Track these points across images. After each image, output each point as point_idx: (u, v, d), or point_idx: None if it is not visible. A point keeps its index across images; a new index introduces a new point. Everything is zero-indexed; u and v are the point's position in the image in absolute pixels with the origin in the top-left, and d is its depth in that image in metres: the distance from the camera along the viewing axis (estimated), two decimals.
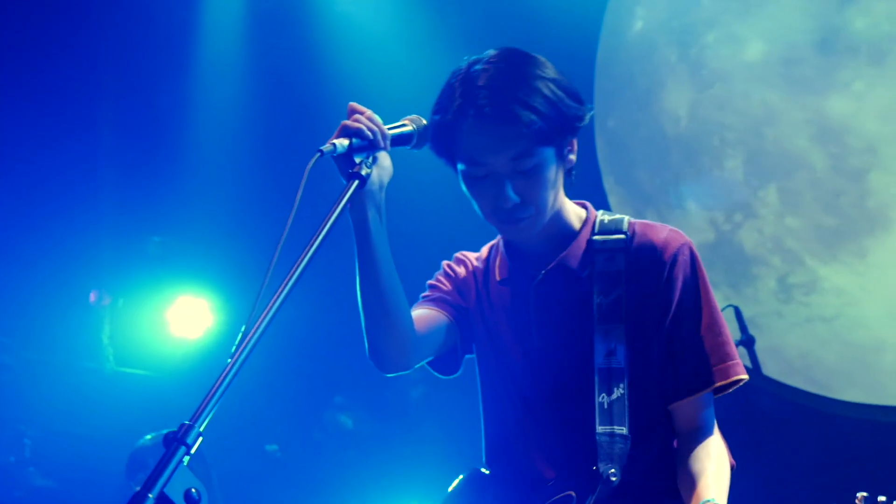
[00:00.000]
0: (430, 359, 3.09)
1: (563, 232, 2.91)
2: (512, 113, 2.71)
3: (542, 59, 2.87)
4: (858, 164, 6.56)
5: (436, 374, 3.17)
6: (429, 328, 3.00)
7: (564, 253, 2.89)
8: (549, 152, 2.76)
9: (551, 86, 2.78)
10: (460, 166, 2.85)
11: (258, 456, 8.16)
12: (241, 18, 8.02)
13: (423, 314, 3.01)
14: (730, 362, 2.79)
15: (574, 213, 2.95)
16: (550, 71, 2.83)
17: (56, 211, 7.46)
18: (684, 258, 2.80)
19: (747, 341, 5.39)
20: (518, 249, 2.99)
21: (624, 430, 2.73)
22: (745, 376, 2.80)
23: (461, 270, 3.13)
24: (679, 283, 2.78)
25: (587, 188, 7.39)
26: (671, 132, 7.22)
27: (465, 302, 3.08)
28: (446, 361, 3.13)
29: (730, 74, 6.98)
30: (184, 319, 7.95)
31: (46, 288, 7.39)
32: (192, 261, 7.98)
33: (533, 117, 2.70)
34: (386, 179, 2.76)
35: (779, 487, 6.17)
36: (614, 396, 2.76)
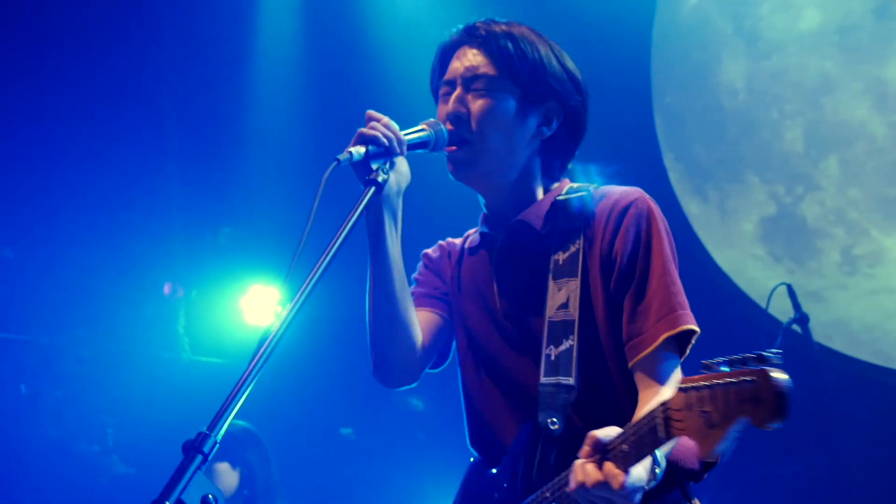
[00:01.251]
0: (434, 363, 3.16)
1: (530, 196, 2.96)
2: (493, 35, 2.92)
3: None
4: None
5: (429, 370, 3.19)
6: (428, 334, 3.07)
7: (526, 211, 2.93)
8: (512, 96, 2.89)
9: (548, 49, 2.94)
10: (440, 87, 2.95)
11: (335, 439, 8.31)
12: (297, 12, 8.12)
13: (420, 318, 3.05)
14: (679, 312, 2.69)
15: (546, 184, 3.01)
16: (557, 48, 2.97)
17: (128, 206, 7.64)
18: (637, 210, 2.78)
19: (801, 319, 5.31)
20: (489, 218, 3.03)
21: (570, 381, 2.70)
22: (696, 328, 2.69)
23: (436, 254, 3.23)
24: (630, 236, 2.75)
25: (647, 165, 7.43)
26: (728, 105, 7.17)
27: (444, 286, 3.15)
28: (442, 357, 3.19)
29: (786, 45, 6.90)
30: (256, 307, 8.10)
31: (122, 282, 7.60)
32: (263, 249, 8.12)
33: (509, 47, 2.89)
34: (403, 185, 2.86)
35: (845, 462, 6.13)
36: (562, 348, 2.74)
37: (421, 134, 2.84)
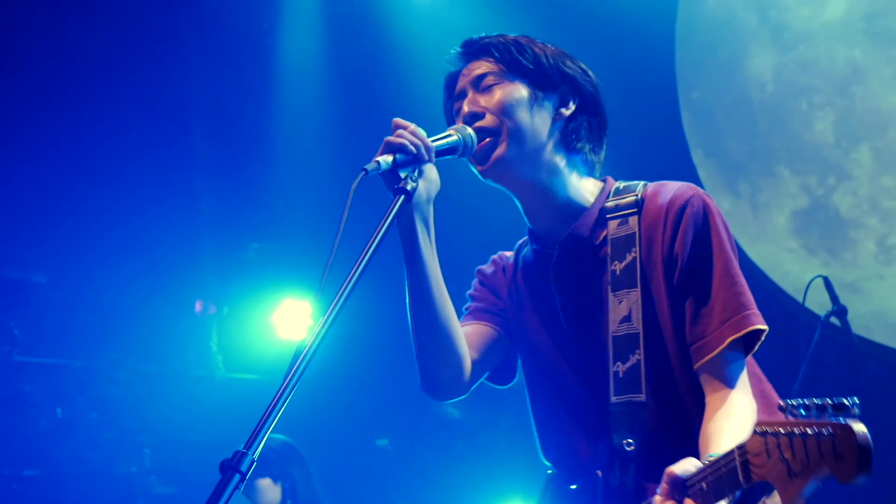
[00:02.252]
0: (485, 376, 3.11)
1: (575, 206, 2.92)
2: (490, 43, 2.97)
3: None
4: None
5: (494, 386, 3.17)
6: (480, 347, 3.03)
7: (576, 223, 2.88)
8: (522, 83, 2.91)
9: (549, 46, 2.99)
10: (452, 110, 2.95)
11: (370, 450, 8.28)
12: (321, 25, 8.12)
13: (470, 332, 3.02)
14: (744, 313, 2.62)
15: (587, 188, 2.96)
16: (558, 48, 3.02)
17: (157, 224, 7.65)
18: (693, 209, 2.72)
19: (839, 311, 5.21)
20: (537, 234, 2.99)
21: (641, 398, 2.65)
22: (763, 326, 2.63)
23: (491, 270, 3.18)
24: (689, 237, 2.69)
25: (675, 163, 7.36)
26: (757, 99, 7.08)
27: (502, 302, 3.10)
28: (502, 372, 3.16)
29: (812, 34, 6.81)
30: (289, 322, 8.09)
31: (153, 301, 7.61)
32: (293, 264, 8.11)
33: (510, 47, 2.94)
34: (433, 192, 2.83)
35: (889, 454, 6.02)
36: (629, 364, 2.69)
37: (449, 139, 2.82)
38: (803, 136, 6.87)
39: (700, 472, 2.25)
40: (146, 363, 7.60)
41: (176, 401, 7.47)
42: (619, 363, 2.71)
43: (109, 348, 7.50)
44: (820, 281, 5.29)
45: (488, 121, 2.87)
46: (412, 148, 2.68)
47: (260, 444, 2.10)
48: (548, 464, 3.00)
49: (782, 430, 1.95)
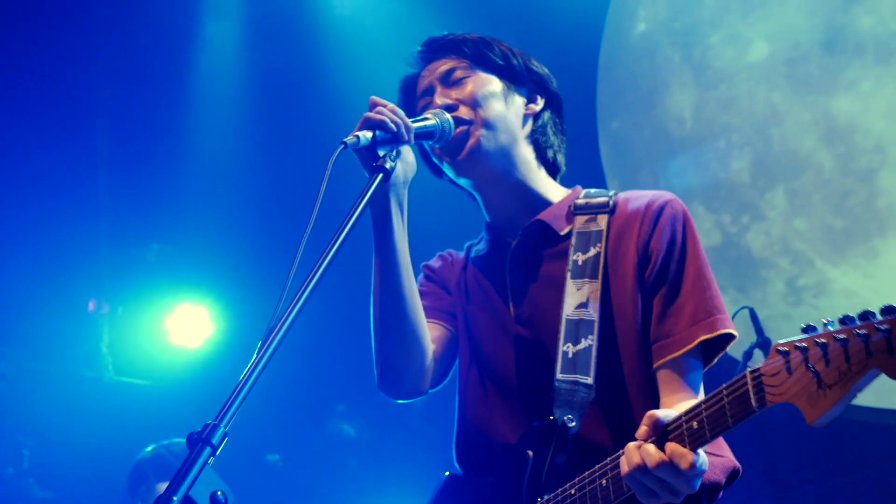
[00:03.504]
0: (440, 377, 3.01)
1: (542, 200, 2.90)
2: (453, 41, 2.96)
3: None
4: (867, 163, 6.45)
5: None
6: (440, 346, 2.94)
7: (543, 212, 2.86)
8: (492, 76, 2.90)
9: (502, 43, 3.00)
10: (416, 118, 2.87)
11: (260, 466, 8.06)
12: (238, 22, 7.94)
13: (431, 331, 2.92)
14: (718, 315, 2.61)
15: (555, 188, 2.96)
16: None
17: (54, 218, 7.37)
18: (672, 211, 2.73)
19: (763, 343, 5.24)
20: (495, 225, 2.96)
21: (588, 380, 2.60)
22: (734, 331, 2.63)
23: (439, 265, 3.13)
24: (666, 236, 2.69)
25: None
26: (676, 134, 7.13)
27: (449, 297, 3.04)
28: (444, 373, 3.06)
29: (734, 75, 6.89)
30: (184, 328, 7.86)
31: (44, 296, 7.31)
32: (192, 268, 7.89)
33: (475, 44, 2.94)
34: (410, 175, 2.75)
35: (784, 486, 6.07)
36: (581, 346, 2.64)
37: (427, 122, 2.77)
38: (720, 174, 6.93)
39: (688, 412, 2.21)
40: (32, 359, 7.27)
41: (61, 401, 7.16)
42: (569, 344, 2.66)
43: None
44: (745, 312, 5.31)
45: (462, 112, 2.84)
46: (392, 126, 2.61)
47: (232, 417, 1.95)
48: (458, 468, 2.91)
49: (816, 342, 1.92)
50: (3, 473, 7.01)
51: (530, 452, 2.59)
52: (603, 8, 7.30)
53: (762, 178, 6.79)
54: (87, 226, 7.66)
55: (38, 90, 7.44)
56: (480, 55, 2.92)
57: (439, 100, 2.86)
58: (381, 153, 2.60)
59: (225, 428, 1.98)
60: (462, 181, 2.94)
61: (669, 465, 2.19)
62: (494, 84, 2.89)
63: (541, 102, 2.98)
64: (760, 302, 6.56)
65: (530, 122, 2.95)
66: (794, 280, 6.66)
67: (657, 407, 2.60)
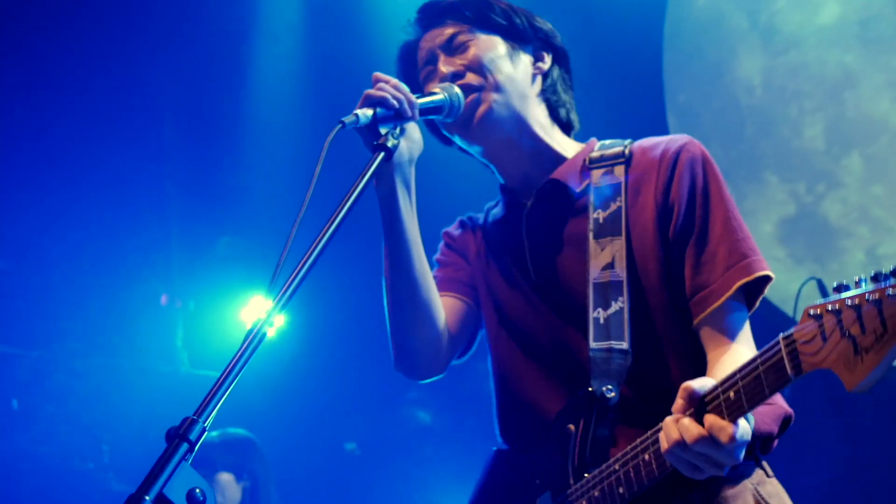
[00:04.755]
0: (460, 353, 2.92)
1: (556, 156, 2.79)
2: (450, 4, 2.84)
3: None
4: None
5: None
6: (455, 321, 2.85)
7: (557, 170, 2.75)
8: (496, 38, 2.79)
9: (503, 1, 2.88)
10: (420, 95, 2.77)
11: (338, 454, 8.07)
12: (300, 12, 7.93)
13: (445, 304, 2.84)
14: (752, 258, 2.47)
15: (569, 143, 2.85)
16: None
17: (124, 214, 7.45)
18: (689, 155, 2.58)
19: None
20: (509, 186, 2.85)
21: (623, 345, 2.48)
22: (770, 272, 2.48)
23: (459, 232, 3.02)
24: (686, 183, 2.55)
25: None
26: (746, 103, 6.94)
27: (469, 266, 2.93)
28: (468, 345, 2.98)
29: (804, 39, 6.68)
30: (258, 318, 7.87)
31: (118, 292, 7.39)
32: (264, 259, 7.91)
33: (471, 6, 2.82)
34: (416, 153, 2.65)
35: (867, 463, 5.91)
36: (612, 310, 2.52)
37: (434, 98, 2.65)
38: (792, 141, 6.73)
39: (724, 381, 2.09)
40: (108, 355, 7.35)
41: (137, 396, 7.22)
42: (599, 309, 2.54)
43: (69, 338, 7.24)
44: (812, 285, 5.14)
45: (470, 78, 2.73)
46: (394, 102, 2.51)
47: (212, 413, 1.88)
48: (503, 443, 2.81)
49: (848, 304, 1.81)
50: (84, 468, 7.11)
51: (572, 427, 2.49)
52: None
53: (837, 144, 6.58)
54: (157, 221, 7.73)
55: (108, 91, 7.52)
56: (481, 17, 2.81)
57: (444, 67, 2.76)
58: (383, 131, 2.49)
59: (204, 423, 1.89)
60: (475, 149, 2.83)
61: (709, 439, 2.08)
62: (499, 45, 2.79)
63: (548, 59, 2.87)
64: (838, 273, 6.38)
65: (539, 80, 2.84)
66: (874, 249, 6.44)
67: (697, 365, 2.49)
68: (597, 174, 2.69)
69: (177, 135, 7.99)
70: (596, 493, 2.39)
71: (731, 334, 2.45)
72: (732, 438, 2.06)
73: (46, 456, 6.99)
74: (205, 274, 7.87)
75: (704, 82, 7.10)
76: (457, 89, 2.69)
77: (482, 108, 2.71)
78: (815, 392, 5.78)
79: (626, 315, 2.50)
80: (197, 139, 8.00)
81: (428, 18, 2.88)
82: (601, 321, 2.52)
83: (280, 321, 7.80)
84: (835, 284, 1.87)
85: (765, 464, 2.50)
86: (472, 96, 2.71)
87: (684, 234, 2.53)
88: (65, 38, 7.34)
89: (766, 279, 2.48)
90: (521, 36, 2.83)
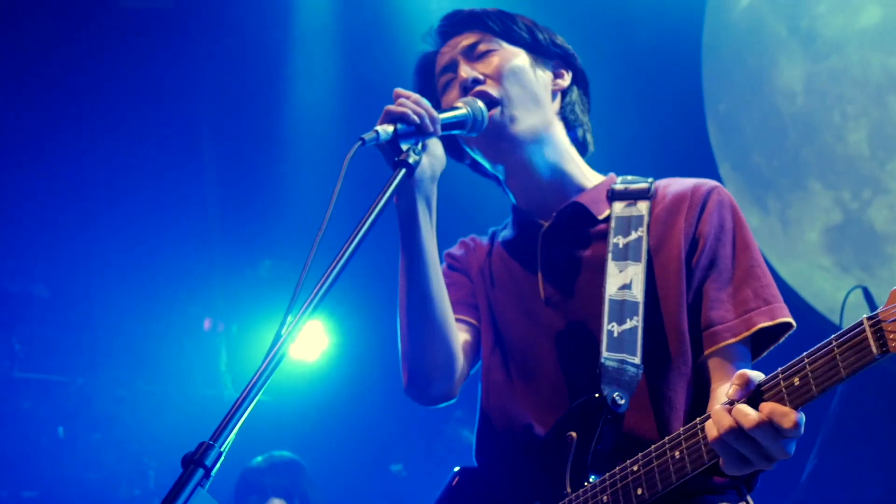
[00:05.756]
0: (468, 376, 2.87)
1: (575, 183, 2.77)
2: (474, 14, 2.82)
3: None
4: None
5: None
6: (468, 344, 2.81)
7: (582, 195, 2.73)
8: (517, 49, 2.76)
9: (525, 17, 2.86)
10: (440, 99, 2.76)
11: (384, 476, 8.03)
12: (336, 32, 7.94)
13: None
14: (776, 304, 2.48)
15: (590, 172, 2.84)
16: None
17: (165, 239, 7.48)
18: (718, 198, 2.61)
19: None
20: (523, 208, 2.81)
21: (636, 360, 2.47)
22: (792, 321, 2.49)
23: (461, 252, 2.98)
24: (714, 222, 2.57)
25: (702, 177, 7.14)
26: (787, 110, 6.84)
27: (473, 285, 2.89)
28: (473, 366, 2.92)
29: (846, 43, 6.58)
30: (301, 342, 7.87)
31: (161, 318, 7.43)
32: (306, 282, 7.90)
33: (497, 17, 2.80)
34: (438, 169, 2.60)
35: None
36: (626, 326, 2.51)
37: (457, 112, 2.60)
38: (836, 148, 6.62)
39: (786, 368, 2.04)
40: (152, 381, 7.38)
41: (182, 421, 7.22)
42: (614, 323, 2.53)
43: (113, 366, 7.29)
44: (858, 294, 5.04)
45: (490, 86, 2.69)
46: (415, 118, 2.46)
47: (228, 436, 1.83)
48: (476, 463, 2.78)
49: None
50: (130, 495, 7.13)
51: (573, 434, 2.45)
52: None
53: (881, 148, 6.47)
54: (199, 247, 7.76)
55: (147, 117, 7.56)
56: (506, 29, 2.78)
57: (464, 73, 2.71)
58: (404, 147, 2.45)
59: (220, 448, 1.87)
60: (496, 167, 2.79)
61: (769, 425, 2.03)
62: (522, 57, 2.76)
63: (567, 77, 2.84)
64: (886, 280, 6.25)
65: (559, 97, 2.82)
66: None
67: (700, 397, 2.51)
68: (619, 205, 2.70)
69: (217, 159, 8.03)
70: (605, 498, 2.34)
71: (739, 370, 2.41)
72: (796, 425, 2.02)
73: (93, 483, 7.02)
74: (247, 297, 7.88)
75: (745, 91, 7.01)
76: (480, 104, 2.64)
77: (505, 119, 2.67)
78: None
79: (639, 333, 2.50)
80: (237, 163, 8.03)
81: (450, 27, 2.85)
82: (615, 334, 2.52)
83: (322, 344, 7.83)
84: None
85: (749, 499, 2.48)
86: (495, 110, 2.67)
87: (708, 269, 2.55)
88: (106, 66, 7.40)
89: (787, 327, 2.50)
90: (543, 51, 2.81)
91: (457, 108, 2.61)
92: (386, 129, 2.42)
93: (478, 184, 3.06)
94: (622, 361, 2.47)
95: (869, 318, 1.92)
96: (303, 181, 8.02)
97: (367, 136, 2.38)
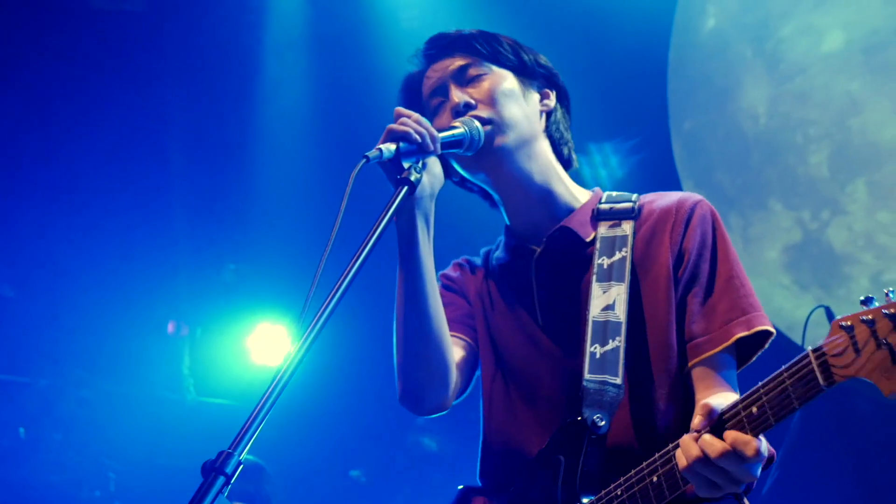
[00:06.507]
0: (463, 391, 2.93)
1: (563, 203, 2.84)
2: (459, 37, 2.88)
3: None
4: None
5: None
6: (462, 360, 2.87)
7: (567, 219, 2.80)
8: (507, 73, 2.82)
9: (508, 38, 2.91)
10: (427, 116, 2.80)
11: (343, 482, 8.05)
12: (305, 43, 7.96)
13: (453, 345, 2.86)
14: (754, 313, 2.56)
15: (576, 189, 2.90)
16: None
17: (130, 242, 7.47)
18: (702, 212, 2.69)
19: None
20: (517, 231, 2.88)
21: (617, 380, 2.55)
22: (771, 328, 2.57)
23: (457, 273, 3.05)
24: (697, 237, 2.66)
25: None
26: (751, 131, 6.96)
27: (469, 306, 2.96)
28: (466, 385, 2.98)
29: (809, 67, 6.71)
30: (264, 347, 7.89)
31: (125, 320, 7.40)
32: (270, 287, 7.92)
33: (482, 39, 2.86)
34: (437, 187, 2.69)
35: (876, 491, 5.89)
36: (609, 347, 2.59)
37: (455, 132, 2.67)
38: (797, 169, 6.75)
39: (745, 398, 2.15)
40: (115, 383, 7.36)
41: (144, 423, 7.23)
42: (596, 345, 2.61)
43: (77, 366, 7.26)
44: (820, 313, 5.15)
45: (482, 110, 2.75)
46: (417, 137, 2.52)
47: (247, 445, 1.90)
48: (479, 484, 2.86)
49: (884, 313, 1.89)
50: (90, 497, 7.11)
51: (561, 457, 2.53)
52: (671, 5, 7.16)
53: (842, 171, 6.60)
54: (163, 249, 7.74)
55: (115, 117, 7.55)
56: (493, 51, 2.84)
57: (456, 97, 2.77)
58: (405, 165, 2.52)
59: (240, 456, 1.93)
60: (488, 184, 2.87)
61: (732, 453, 2.14)
62: (510, 80, 2.82)
63: (553, 97, 2.91)
64: (844, 299, 6.38)
65: (544, 117, 2.89)
66: (879, 275, 6.45)
67: (687, 408, 2.59)
68: (604, 226, 2.77)
69: (184, 162, 8.02)
70: None
71: (721, 380, 2.54)
72: (757, 452, 2.12)
73: (54, 485, 6.99)
74: (211, 301, 7.88)
75: (710, 110, 7.12)
76: (477, 123, 2.71)
77: (498, 141, 2.73)
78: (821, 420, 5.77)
79: (621, 353, 2.57)
80: (204, 167, 8.02)
81: (436, 49, 2.90)
82: (597, 356, 2.59)
83: (286, 349, 7.80)
84: (862, 298, 1.93)
85: (746, 500, 2.53)
86: (488, 127, 2.73)
87: (690, 283, 2.63)
88: (74, 66, 7.38)
89: (766, 334, 2.57)
90: (529, 72, 2.87)
91: (455, 127, 2.68)
92: (389, 148, 2.47)
93: (469, 202, 3.12)
94: (603, 383, 2.55)
95: (814, 351, 2.01)
96: (269, 186, 8.04)
97: (371, 153, 2.43)
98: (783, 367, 2.08)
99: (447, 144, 2.63)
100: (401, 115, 2.56)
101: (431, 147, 2.55)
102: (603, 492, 2.45)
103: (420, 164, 2.55)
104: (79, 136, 7.40)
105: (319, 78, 7.99)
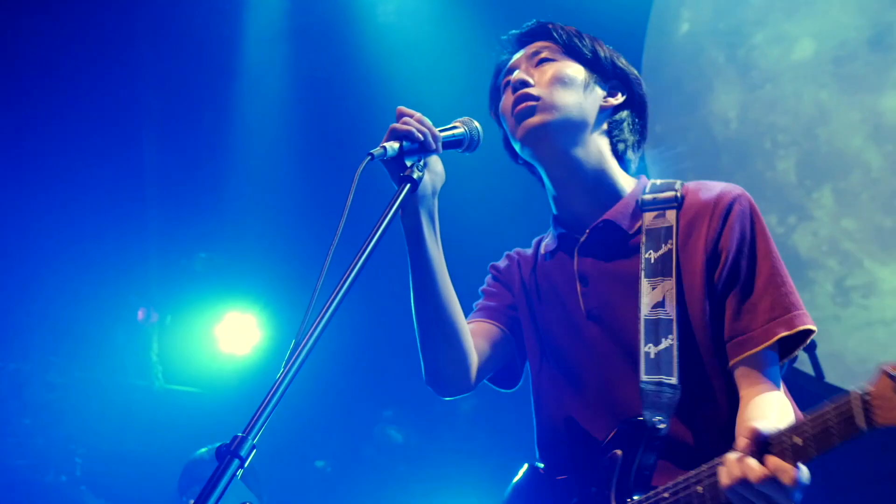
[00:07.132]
0: (489, 375, 3.05)
1: (609, 193, 2.89)
2: (544, 26, 3.00)
3: None
4: None
5: (497, 388, 3.13)
6: (486, 345, 2.97)
7: (611, 210, 2.84)
8: (577, 65, 2.91)
9: (593, 37, 3.03)
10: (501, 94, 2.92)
11: (308, 472, 8.09)
12: (282, 33, 7.99)
13: (476, 329, 2.97)
14: (796, 312, 2.62)
15: (624, 178, 2.94)
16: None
17: (102, 228, 7.45)
18: (741, 208, 2.73)
19: (809, 346, 5.14)
20: (562, 218, 2.95)
21: (673, 381, 2.60)
22: (813, 326, 2.63)
23: (505, 265, 3.14)
24: (736, 234, 2.68)
25: None
26: (721, 135, 7.07)
27: (514, 298, 3.04)
28: (506, 375, 3.10)
29: (780, 74, 6.81)
30: (232, 336, 7.92)
31: (94, 306, 7.40)
32: (240, 276, 7.95)
33: (568, 32, 2.97)
34: (438, 185, 2.76)
35: (839, 497, 5.98)
36: (662, 346, 2.64)
37: (455, 131, 2.75)
38: (765, 174, 6.86)
39: (792, 428, 2.18)
40: (84, 369, 7.36)
41: (112, 410, 7.24)
42: (650, 344, 2.67)
43: (46, 351, 7.25)
44: None
45: (534, 89, 2.85)
46: (419, 136, 2.61)
47: (260, 430, 1.96)
48: (540, 464, 2.93)
49: None
50: (57, 482, 7.10)
51: (619, 452, 2.61)
52: (645, 9, 7.25)
53: (809, 177, 6.71)
54: (134, 236, 7.75)
55: (86, 104, 7.52)
56: (570, 43, 2.95)
57: (517, 74, 2.89)
58: (408, 163, 2.61)
59: (253, 440, 1.98)
60: (525, 155, 2.94)
61: (772, 479, 2.18)
62: (576, 70, 2.90)
63: (620, 98, 2.98)
64: (808, 303, 6.42)
65: (608, 115, 2.95)
66: (843, 280, 6.57)
67: (732, 403, 2.63)
68: (649, 216, 2.80)
69: (156, 150, 8.01)
70: None
71: (765, 378, 2.59)
72: (795, 481, 2.16)
73: (20, 469, 6.98)
74: (181, 289, 7.89)
75: (682, 114, 7.21)
76: (476, 123, 2.79)
77: (540, 118, 2.82)
78: None
79: (675, 352, 2.62)
80: (176, 154, 8.02)
81: (522, 36, 3.03)
82: (652, 356, 2.65)
83: (254, 338, 7.86)
84: None
85: None
86: (523, 105, 2.84)
87: (730, 281, 2.66)
88: (46, 51, 7.34)
89: (808, 333, 2.63)
90: (603, 70, 2.96)
91: (455, 126, 2.76)
92: (392, 146, 2.56)
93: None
94: (659, 383, 2.61)
95: (861, 395, 2.04)
96: (243, 176, 8.06)
97: (376, 151, 2.51)
98: (829, 403, 2.12)
99: (447, 143, 2.71)
100: (403, 115, 2.64)
101: (433, 146, 2.64)
102: (652, 492, 2.51)
103: (422, 163, 2.64)
104: (49, 121, 7.37)
105: (296, 67, 8.02)
